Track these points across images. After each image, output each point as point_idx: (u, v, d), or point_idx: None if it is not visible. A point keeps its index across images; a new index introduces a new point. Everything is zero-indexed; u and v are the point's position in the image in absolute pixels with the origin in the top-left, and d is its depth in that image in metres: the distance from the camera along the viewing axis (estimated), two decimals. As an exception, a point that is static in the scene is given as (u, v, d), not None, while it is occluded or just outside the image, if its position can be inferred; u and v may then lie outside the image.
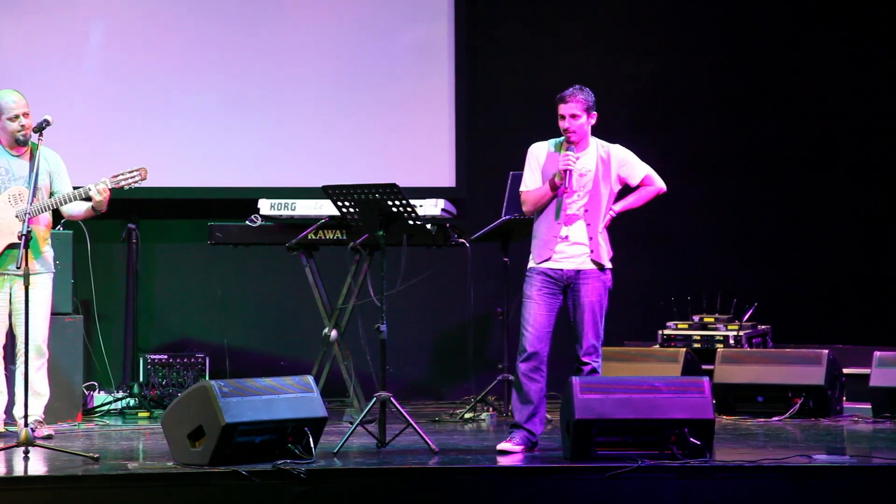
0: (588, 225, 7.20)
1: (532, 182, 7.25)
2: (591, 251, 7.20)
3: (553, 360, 9.40)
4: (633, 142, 10.30)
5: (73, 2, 9.67)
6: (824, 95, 10.22)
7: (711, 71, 10.27)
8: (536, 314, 7.20)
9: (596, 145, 7.29)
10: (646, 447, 6.78)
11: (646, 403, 6.85)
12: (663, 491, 6.60)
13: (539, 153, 7.29)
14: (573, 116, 7.17)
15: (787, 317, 9.92)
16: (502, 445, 7.20)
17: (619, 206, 7.32)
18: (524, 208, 7.34)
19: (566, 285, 7.21)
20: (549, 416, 8.70)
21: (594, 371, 7.23)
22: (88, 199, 7.73)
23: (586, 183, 7.20)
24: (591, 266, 7.20)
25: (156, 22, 9.75)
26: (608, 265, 7.25)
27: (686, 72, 10.27)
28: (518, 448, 7.17)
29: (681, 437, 6.77)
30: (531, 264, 7.26)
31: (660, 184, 7.43)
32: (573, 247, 7.19)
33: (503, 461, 7.00)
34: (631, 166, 7.34)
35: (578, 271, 7.19)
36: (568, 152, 7.17)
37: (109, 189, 7.68)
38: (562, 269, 7.20)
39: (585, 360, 7.22)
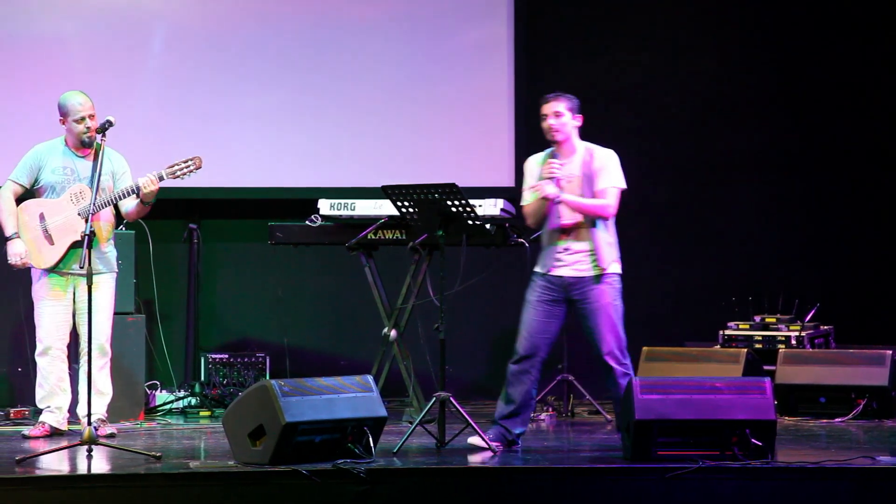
0: (583, 230, 7.20)
1: (528, 196, 7.30)
2: (590, 257, 7.20)
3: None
4: (696, 143, 10.30)
5: (137, 5, 9.75)
6: (888, 93, 10.12)
7: (773, 70, 10.19)
8: (532, 319, 7.26)
9: (583, 149, 7.30)
10: (707, 448, 6.74)
11: (707, 404, 6.81)
12: (724, 492, 6.57)
13: (531, 166, 7.35)
14: (556, 114, 7.22)
15: (850, 317, 9.82)
16: (472, 439, 7.25)
17: (568, 196, 7.21)
18: (527, 222, 7.39)
19: (569, 293, 7.23)
20: (608, 417, 8.69)
21: (626, 374, 7.20)
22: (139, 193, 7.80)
23: (573, 189, 7.21)
24: (593, 272, 7.20)
25: (216, 24, 9.81)
26: (610, 270, 7.23)
27: (747, 72, 10.19)
28: (491, 444, 7.19)
29: (742, 438, 6.73)
30: (535, 269, 7.31)
31: (608, 204, 7.21)
32: (573, 255, 7.23)
33: (473, 457, 7.03)
34: (604, 173, 7.25)
35: (580, 279, 7.21)
36: (552, 160, 7.22)
37: (157, 181, 7.72)
38: (562, 277, 7.23)
39: (611, 362, 7.19)
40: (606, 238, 7.24)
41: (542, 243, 7.31)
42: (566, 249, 7.22)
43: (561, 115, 7.22)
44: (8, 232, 7.89)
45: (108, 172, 7.89)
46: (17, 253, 7.86)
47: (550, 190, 7.17)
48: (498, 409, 7.35)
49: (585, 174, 7.24)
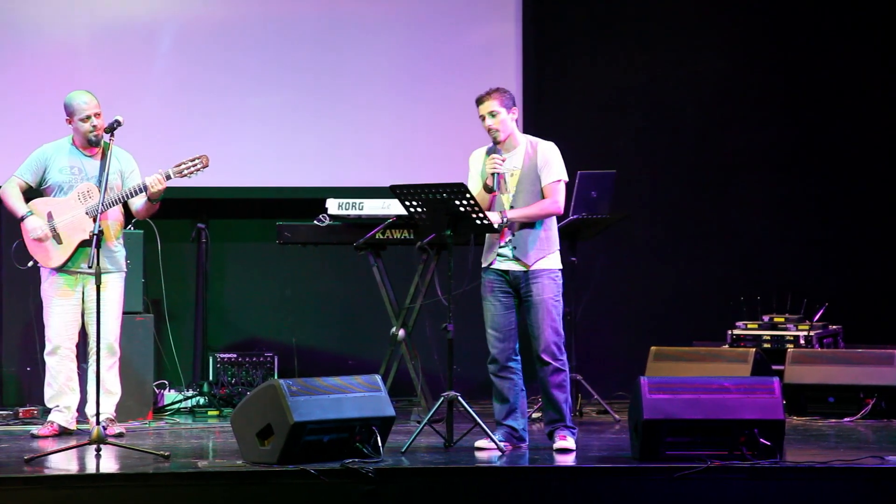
0: (523, 225, 7.26)
1: (473, 190, 7.32)
2: (525, 252, 7.25)
3: (617, 359, 9.40)
4: (703, 141, 10.28)
5: (144, 6, 9.75)
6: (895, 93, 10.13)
7: (781, 70, 10.18)
8: (493, 315, 7.34)
9: (526, 142, 7.36)
10: (715, 448, 6.73)
11: (715, 404, 6.80)
12: (732, 492, 6.56)
13: (474, 161, 7.41)
14: (492, 114, 7.26)
15: (859, 317, 9.81)
16: (480, 443, 7.29)
17: (513, 213, 7.27)
18: None
19: (516, 286, 7.29)
20: (617, 416, 8.69)
21: (559, 371, 7.25)
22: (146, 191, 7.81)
23: (517, 182, 7.28)
24: (536, 266, 7.26)
25: (223, 24, 9.80)
26: (551, 265, 7.28)
27: (755, 71, 10.19)
28: (500, 444, 7.22)
29: (750, 438, 6.72)
30: (483, 265, 7.37)
31: (555, 201, 7.29)
32: (514, 250, 7.28)
33: (481, 456, 7.07)
34: (547, 169, 7.31)
35: (525, 272, 7.27)
36: (495, 155, 7.27)
37: (164, 180, 7.74)
38: (508, 271, 7.31)
39: (546, 358, 7.26)
40: (545, 233, 7.30)
41: (485, 238, 7.37)
42: (507, 243, 7.30)
43: (497, 114, 7.27)
44: (21, 212, 7.89)
45: (116, 171, 7.90)
46: (36, 227, 7.85)
47: (494, 219, 7.24)
48: (496, 411, 7.40)
49: (528, 167, 7.30)
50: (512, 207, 7.30)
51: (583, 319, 9.01)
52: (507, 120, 7.29)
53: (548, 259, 7.31)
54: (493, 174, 7.26)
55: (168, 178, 7.77)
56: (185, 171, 7.80)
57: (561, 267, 7.36)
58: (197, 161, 7.81)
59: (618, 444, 7.55)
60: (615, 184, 8.89)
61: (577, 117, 10.10)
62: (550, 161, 7.31)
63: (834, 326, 9.45)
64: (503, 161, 7.28)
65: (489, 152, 7.37)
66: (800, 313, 9.37)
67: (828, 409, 8.78)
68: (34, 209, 7.92)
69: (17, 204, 7.91)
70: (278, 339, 9.86)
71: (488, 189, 7.29)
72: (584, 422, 8.66)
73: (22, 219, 7.87)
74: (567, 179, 7.36)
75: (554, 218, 7.36)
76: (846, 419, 8.64)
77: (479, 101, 7.29)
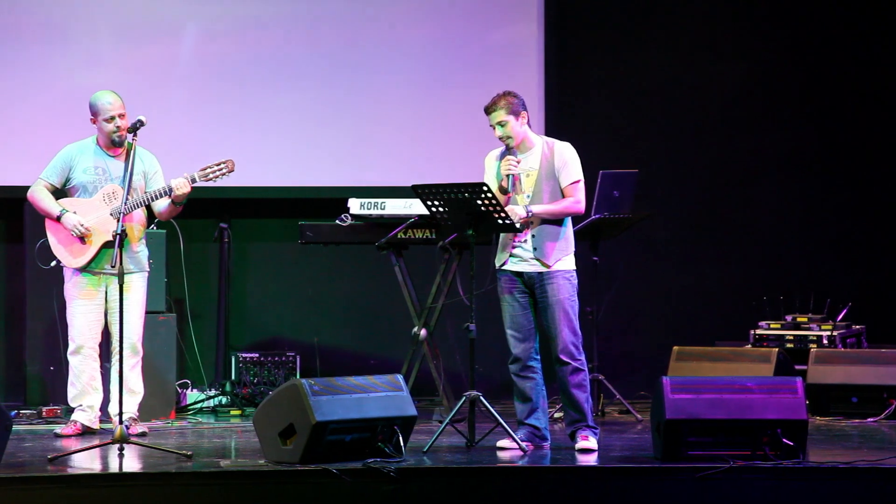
0: (540, 225, 7.27)
1: None
2: (546, 252, 7.25)
3: (639, 359, 9.38)
4: (726, 141, 10.26)
5: (169, 4, 9.78)
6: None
7: (803, 71, 10.15)
8: (511, 315, 7.35)
9: (542, 143, 7.37)
10: (738, 448, 6.72)
11: (738, 404, 6.79)
12: (755, 492, 6.55)
13: (489, 163, 7.44)
14: (501, 124, 7.29)
15: (882, 317, 9.77)
16: (502, 443, 7.29)
17: (538, 209, 7.27)
18: None
19: (531, 287, 7.30)
20: (639, 416, 8.68)
21: (578, 371, 7.24)
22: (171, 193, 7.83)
23: (533, 183, 7.28)
24: (550, 267, 7.26)
25: (247, 24, 9.82)
26: (567, 265, 7.29)
27: (777, 72, 10.16)
28: (522, 444, 7.22)
29: (773, 438, 6.70)
30: (497, 266, 7.38)
31: (577, 200, 7.30)
32: (528, 251, 7.28)
33: (503, 456, 7.08)
34: (566, 170, 7.32)
35: (539, 273, 7.27)
36: (510, 157, 7.29)
37: (190, 184, 7.76)
38: (522, 272, 7.31)
39: (565, 358, 7.25)
40: (563, 233, 7.31)
41: (499, 238, 7.37)
42: (523, 244, 7.30)
43: (506, 123, 7.29)
44: (56, 212, 7.90)
45: (139, 172, 7.93)
46: (75, 224, 7.86)
47: (520, 212, 7.23)
48: (518, 410, 7.41)
49: (545, 168, 7.31)
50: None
51: (605, 319, 9.00)
52: (517, 126, 7.30)
53: (565, 260, 7.31)
54: (507, 175, 7.27)
55: (193, 181, 7.80)
56: (211, 176, 7.83)
57: (575, 267, 7.36)
58: (223, 165, 7.83)
59: (640, 444, 7.54)
60: (637, 183, 8.88)
61: (599, 117, 10.09)
62: (568, 162, 7.31)
63: (857, 326, 9.42)
64: (518, 163, 7.29)
65: (503, 154, 7.38)
66: (823, 313, 9.34)
67: (851, 409, 8.75)
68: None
69: (49, 204, 7.94)
70: (300, 339, 9.87)
71: (503, 190, 7.30)
72: (607, 422, 8.65)
73: (58, 218, 7.89)
74: (583, 179, 7.37)
75: (570, 219, 7.36)
76: (869, 419, 8.61)
77: (487, 111, 7.32)
